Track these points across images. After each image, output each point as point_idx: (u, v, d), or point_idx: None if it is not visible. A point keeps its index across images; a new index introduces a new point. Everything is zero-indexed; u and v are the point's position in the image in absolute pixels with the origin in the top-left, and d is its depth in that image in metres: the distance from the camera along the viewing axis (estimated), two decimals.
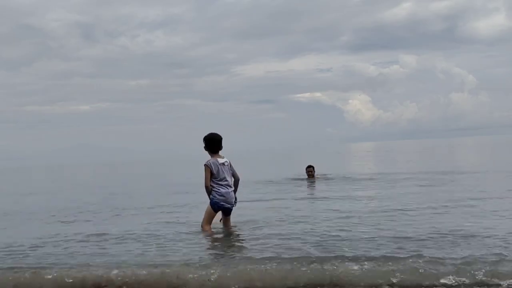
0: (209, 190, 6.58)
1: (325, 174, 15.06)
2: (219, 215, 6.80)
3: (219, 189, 6.54)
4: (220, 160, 6.60)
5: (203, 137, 6.70)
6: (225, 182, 6.58)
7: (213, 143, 6.64)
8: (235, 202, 6.79)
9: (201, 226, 6.71)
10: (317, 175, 14.15)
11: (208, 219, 6.67)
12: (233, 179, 6.74)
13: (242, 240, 6.28)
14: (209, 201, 6.63)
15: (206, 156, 6.72)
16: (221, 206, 6.59)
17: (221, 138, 6.74)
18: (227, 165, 6.66)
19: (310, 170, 13.78)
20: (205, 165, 6.57)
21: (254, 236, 6.28)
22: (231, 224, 6.89)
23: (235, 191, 6.80)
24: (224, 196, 6.54)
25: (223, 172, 6.57)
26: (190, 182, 15.07)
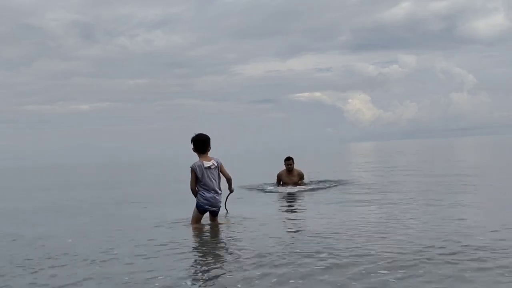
0: (194, 193, 6.70)
1: (313, 181, 13.06)
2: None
3: (203, 193, 6.61)
4: (206, 164, 6.61)
5: (190, 138, 6.70)
6: (210, 187, 6.60)
7: (198, 143, 6.64)
8: (231, 192, 7.02)
9: (191, 223, 6.85)
10: (307, 182, 12.48)
11: (196, 219, 6.79)
12: (219, 183, 6.74)
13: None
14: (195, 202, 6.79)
15: (194, 157, 6.73)
16: (206, 209, 6.71)
17: (208, 138, 6.72)
18: (214, 167, 6.66)
19: (289, 163, 12.07)
20: (190, 167, 6.64)
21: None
22: (219, 222, 6.92)
23: (229, 188, 6.95)
24: (208, 201, 6.64)
25: (208, 176, 6.59)
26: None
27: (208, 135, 6.75)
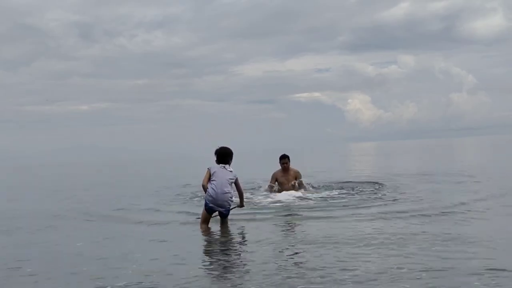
0: (204, 190, 6.86)
1: (310, 183, 12.10)
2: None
3: (209, 190, 6.76)
4: (222, 165, 6.92)
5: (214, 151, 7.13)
6: (218, 184, 6.70)
7: (219, 156, 7.01)
8: (241, 206, 7.28)
9: (199, 224, 6.99)
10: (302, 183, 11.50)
11: (203, 219, 6.91)
12: (230, 185, 6.90)
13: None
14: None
15: (208, 155, 7.25)
16: (211, 208, 6.77)
17: (229, 153, 7.05)
18: (229, 171, 6.89)
19: (285, 161, 11.16)
20: (208, 167, 6.95)
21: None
22: (228, 225, 6.99)
23: (240, 202, 7.29)
24: (212, 197, 6.71)
25: (219, 175, 6.75)
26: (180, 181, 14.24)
27: (231, 149, 7.11)
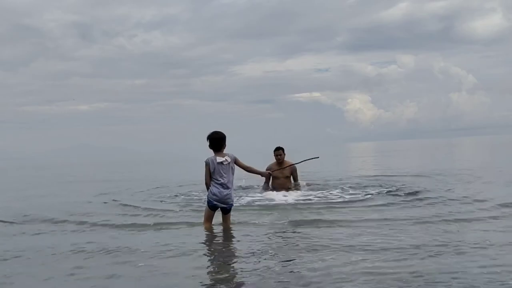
0: (207, 187, 6.69)
1: (311, 184, 11.75)
2: None
3: (212, 188, 6.62)
4: (219, 159, 6.59)
5: (206, 136, 6.74)
6: (220, 182, 6.55)
7: (212, 141, 6.67)
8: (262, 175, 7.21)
9: (203, 223, 6.91)
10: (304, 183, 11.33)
11: (206, 217, 6.83)
12: (232, 178, 6.68)
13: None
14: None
15: (207, 155, 6.72)
16: (214, 205, 6.65)
17: (222, 136, 6.72)
18: (227, 163, 6.62)
19: (279, 153, 10.88)
20: (205, 161, 6.67)
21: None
22: (231, 222, 6.93)
23: (258, 173, 7.17)
24: (216, 196, 6.58)
25: (219, 172, 6.56)
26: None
27: (224, 133, 6.77)
